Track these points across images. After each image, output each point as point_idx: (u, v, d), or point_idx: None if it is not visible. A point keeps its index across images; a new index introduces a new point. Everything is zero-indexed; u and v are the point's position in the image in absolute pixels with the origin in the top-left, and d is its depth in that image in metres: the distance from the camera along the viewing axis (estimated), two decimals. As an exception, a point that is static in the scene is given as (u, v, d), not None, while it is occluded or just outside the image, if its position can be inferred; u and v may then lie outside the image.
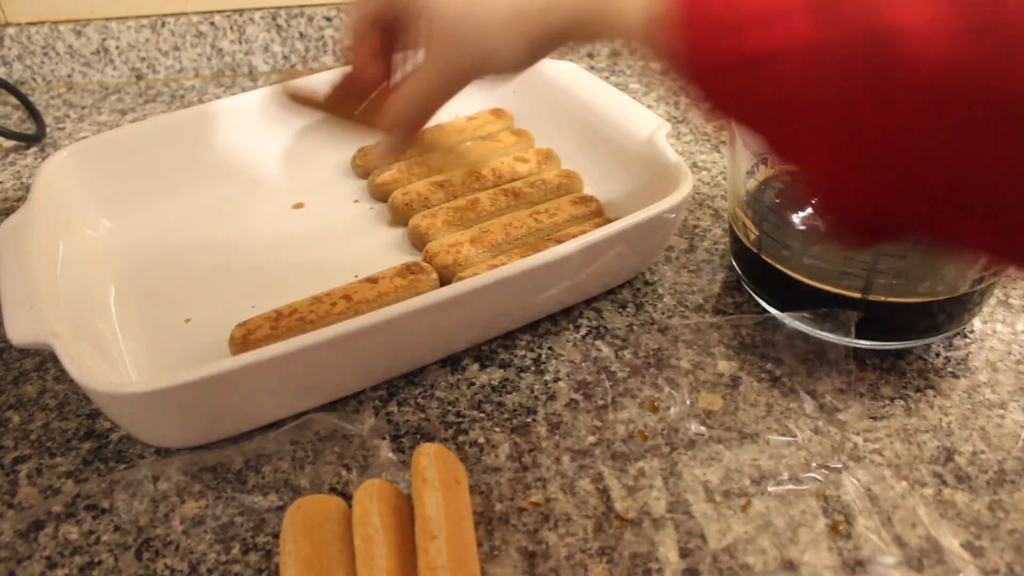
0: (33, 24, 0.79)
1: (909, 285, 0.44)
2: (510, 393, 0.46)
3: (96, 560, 0.38)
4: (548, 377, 0.47)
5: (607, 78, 0.77)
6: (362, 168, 0.62)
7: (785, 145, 0.28)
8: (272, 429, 0.44)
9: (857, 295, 0.45)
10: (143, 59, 0.81)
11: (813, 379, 0.46)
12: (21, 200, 0.64)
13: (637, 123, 0.55)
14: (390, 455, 0.42)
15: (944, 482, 0.40)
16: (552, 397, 0.46)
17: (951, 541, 0.38)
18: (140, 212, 0.57)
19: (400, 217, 0.57)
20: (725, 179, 0.63)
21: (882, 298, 0.45)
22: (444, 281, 0.51)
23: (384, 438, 0.43)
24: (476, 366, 0.48)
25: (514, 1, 0.33)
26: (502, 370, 0.47)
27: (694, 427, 0.43)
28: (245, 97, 0.60)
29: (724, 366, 0.47)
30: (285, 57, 0.81)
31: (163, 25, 0.79)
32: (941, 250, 0.39)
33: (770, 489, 0.40)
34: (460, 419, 0.44)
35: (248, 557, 0.38)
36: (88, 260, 0.52)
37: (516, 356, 0.48)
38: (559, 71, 0.61)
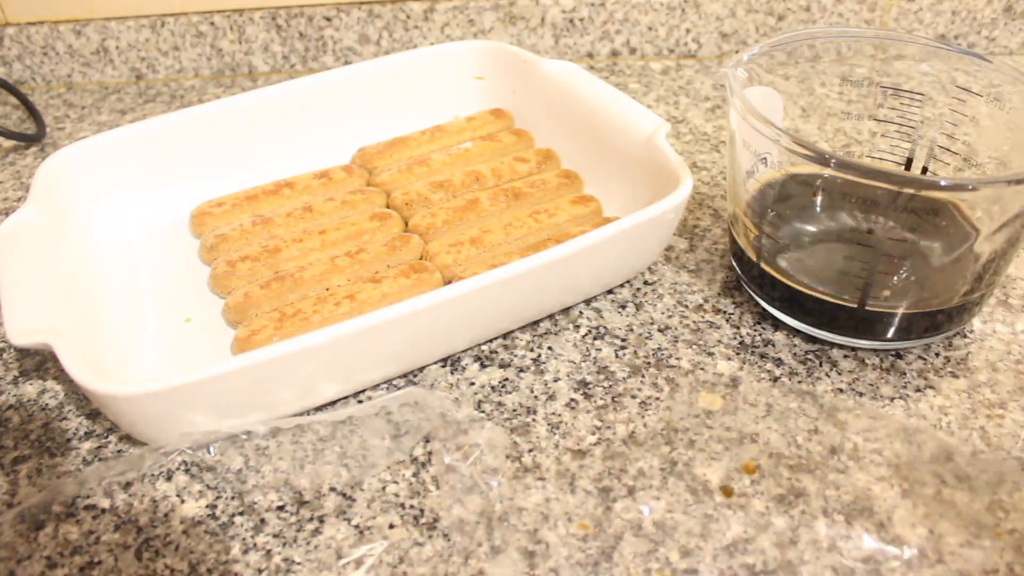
0: (33, 24, 0.79)
1: (904, 297, 0.45)
2: (510, 393, 0.46)
3: (96, 560, 0.38)
4: (548, 377, 0.47)
5: (607, 78, 0.77)
6: (362, 169, 0.62)
7: None
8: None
9: (854, 304, 0.45)
10: (143, 59, 0.81)
11: (813, 379, 0.46)
12: (21, 200, 0.64)
13: (637, 123, 0.55)
14: (388, 451, 0.42)
15: (944, 482, 0.41)
16: (552, 397, 0.46)
17: (950, 541, 0.38)
18: (140, 212, 0.57)
19: (400, 217, 0.57)
20: (725, 179, 0.63)
21: (878, 308, 0.45)
22: (444, 281, 0.51)
23: (383, 438, 0.43)
24: (476, 366, 0.48)
25: None
26: (502, 370, 0.47)
27: (693, 427, 0.43)
28: (245, 97, 0.60)
29: (724, 366, 0.47)
30: (285, 57, 0.81)
31: (163, 25, 0.79)
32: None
33: (770, 490, 0.40)
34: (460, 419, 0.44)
35: (248, 557, 0.38)
36: (88, 260, 0.52)
37: (516, 356, 0.48)
38: (559, 71, 0.61)
